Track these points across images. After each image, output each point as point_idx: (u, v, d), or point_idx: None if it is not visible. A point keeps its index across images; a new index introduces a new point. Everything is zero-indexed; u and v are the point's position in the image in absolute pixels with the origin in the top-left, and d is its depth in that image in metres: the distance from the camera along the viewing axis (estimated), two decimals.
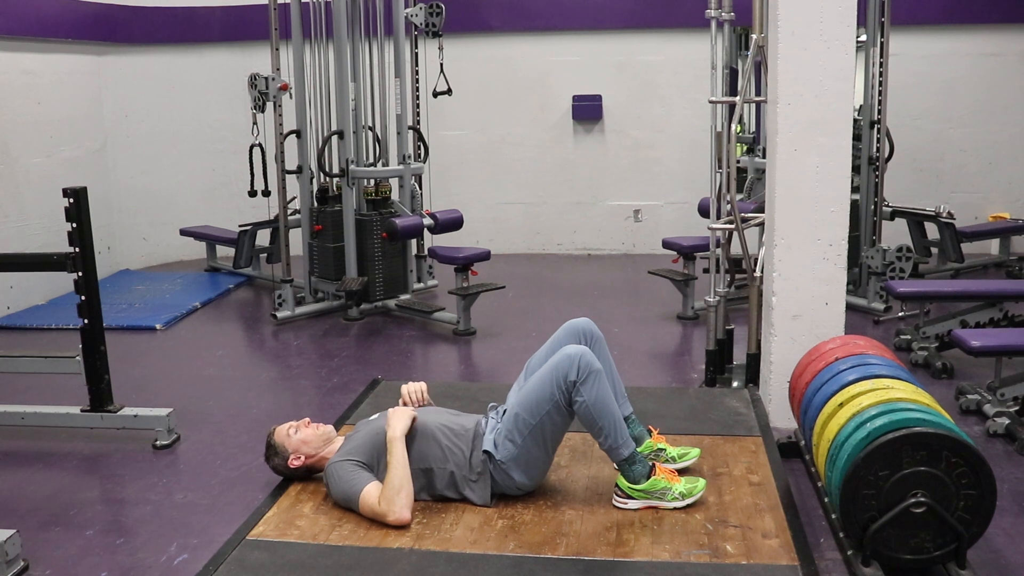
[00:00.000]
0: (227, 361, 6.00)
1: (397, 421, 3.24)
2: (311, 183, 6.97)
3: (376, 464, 3.21)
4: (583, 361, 3.10)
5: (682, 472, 3.36)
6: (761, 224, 4.51)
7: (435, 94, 7.22)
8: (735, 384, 4.79)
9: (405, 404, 3.53)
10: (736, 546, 2.89)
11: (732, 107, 4.58)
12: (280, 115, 6.67)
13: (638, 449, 3.29)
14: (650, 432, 3.57)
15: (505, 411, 3.29)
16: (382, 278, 6.80)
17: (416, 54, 7.37)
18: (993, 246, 8.07)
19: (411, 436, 3.24)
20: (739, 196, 5.95)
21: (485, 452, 3.19)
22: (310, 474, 3.47)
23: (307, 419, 3.49)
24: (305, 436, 3.40)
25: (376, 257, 6.73)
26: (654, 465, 3.21)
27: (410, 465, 3.17)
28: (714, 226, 4.78)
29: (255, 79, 6.53)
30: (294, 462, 3.39)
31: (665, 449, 3.49)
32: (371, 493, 3.11)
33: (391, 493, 3.07)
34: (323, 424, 3.50)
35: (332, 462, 3.26)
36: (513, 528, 3.04)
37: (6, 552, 3.17)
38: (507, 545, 2.92)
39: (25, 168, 7.26)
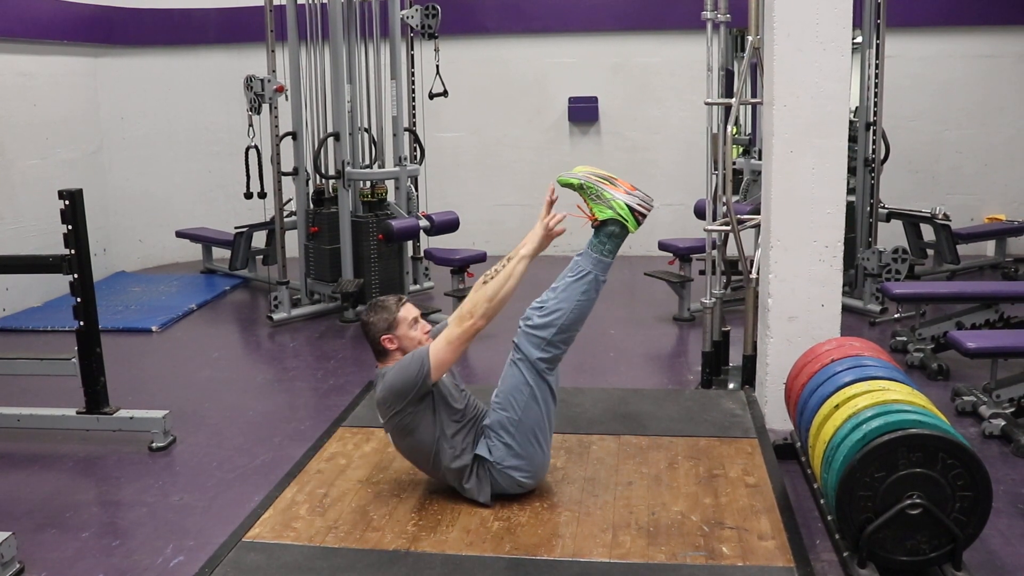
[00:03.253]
0: (223, 363, 5.99)
1: (532, 239, 3.19)
2: (307, 185, 6.97)
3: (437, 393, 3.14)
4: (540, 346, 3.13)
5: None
6: (757, 226, 4.51)
7: (431, 96, 7.22)
8: (731, 386, 4.79)
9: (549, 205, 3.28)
10: (732, 548, 2.89)
11: (728, 109, 4.58)
12: (276, 117, 6.67)
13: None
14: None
15: (487, 415, 3.27)
16: (378, 280, 6.79)
17: (412, 56, 7.37)
18: (989, 248, 8.08)
19: (461, 421, 3.18)
20: (735, 198, 5.95)
21: (478, 456, 3.18)
22: (380, 354, 3.27)
23: (431, 328, 3.34)
24: (419, 337, 3.24)
25: (372, 259, 6.73)
26: (595, 222, 3.24)
27: (444, 442, 3.14)
28: (710, 228, 4.78)
29: (251, 81, 6.54)
30: (387, 342, 3.21)
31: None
32: (440, 336, 3.07)
33: (481, 297, 3.04)
34: (429, 343, 3.19)
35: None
36: (509, 530, 3.03)
37: (1, 554, 3.17)
38: (503, 547, 2.92)
39: (21, 170, 7.25)
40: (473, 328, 3.05)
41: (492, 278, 3.12)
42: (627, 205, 3.23)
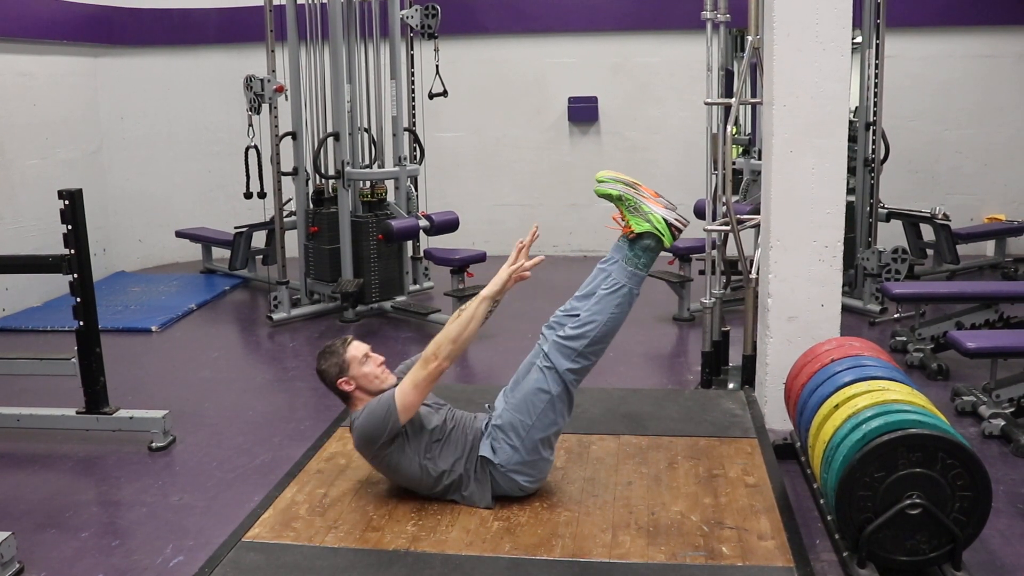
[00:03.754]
0: (223, 363, 5.99)
1: (495, 282, 3.19)
2: (307, 185, 6.97)
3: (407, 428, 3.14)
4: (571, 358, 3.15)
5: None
6: (757, 226, 4.51)
7: (431, 96, 7.22)
8: (731, 386, 4.79)
9: (520, 252, 3.25)
10: (732, 548, 2.89)
11: (728, 109, 4.58)
12: (276, 117, 6.67)
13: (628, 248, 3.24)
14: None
15: (497, 414, 3.27)
16: (378, 280, 6.79)
17: (412, 56, 7.37)
18: (988, 248, 8.08)
19: (442, 437, 3.19)
20: (735, 198, 5.95)
21: (482, 457, 3.18)
22: (341, 398, 3.33)
23: (384, 359, 3.36)
24: (373, 372, 3.27)
25: (372, 259, 6.73)
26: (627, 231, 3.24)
27: (430, 465, 3.15)
28: (710, 228, 4.78)
29: (251, 81, 6.54)
30: (344, 385, 3.25)
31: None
32: (406, 378, 3.07)
33: (444, 339, 3.07)
34: (392, 377, 3.30)
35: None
36: (509, 530, 3.03)
37: (1, 555, 3.17)
38: (503, 547, 2.92)
39: (20, 170, 7.25)
40: (438, 370, 3.07)
41: (460, 316, 3.14)
42: (664, 219, 3.24)
